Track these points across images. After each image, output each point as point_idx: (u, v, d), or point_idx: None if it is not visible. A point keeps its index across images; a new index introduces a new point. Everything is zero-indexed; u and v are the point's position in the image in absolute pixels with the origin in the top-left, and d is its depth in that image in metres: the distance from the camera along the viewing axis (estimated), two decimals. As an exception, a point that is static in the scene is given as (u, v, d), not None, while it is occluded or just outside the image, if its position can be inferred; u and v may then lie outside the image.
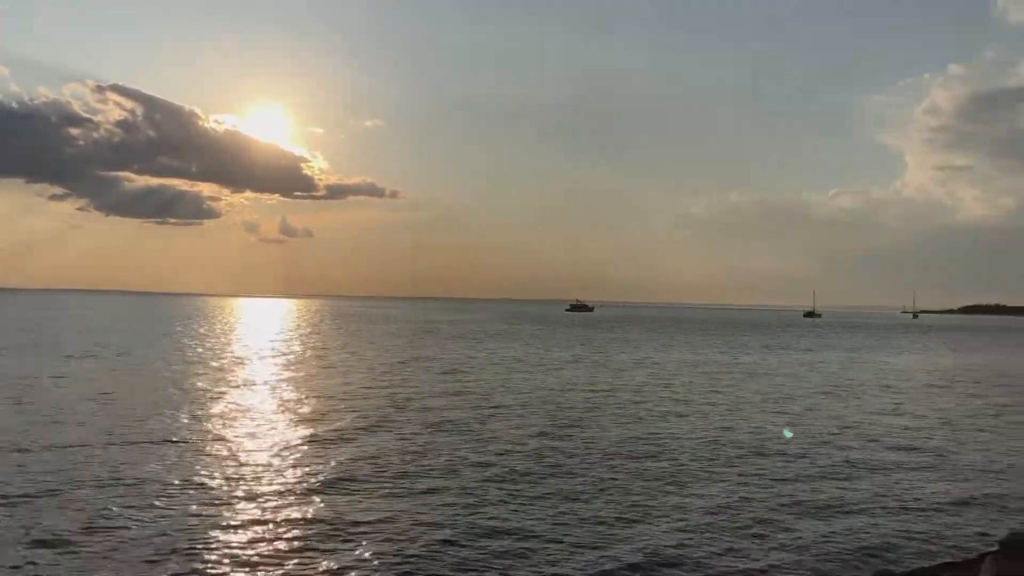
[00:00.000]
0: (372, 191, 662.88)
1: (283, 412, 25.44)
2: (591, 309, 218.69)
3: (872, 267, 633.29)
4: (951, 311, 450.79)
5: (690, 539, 12.92)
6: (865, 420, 27.26)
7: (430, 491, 15.49)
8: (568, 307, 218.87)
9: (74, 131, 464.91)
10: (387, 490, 15.51)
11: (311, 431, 21.80)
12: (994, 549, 11.05)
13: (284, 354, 51.00)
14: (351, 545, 12.14)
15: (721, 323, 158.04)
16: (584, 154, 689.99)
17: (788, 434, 23.29)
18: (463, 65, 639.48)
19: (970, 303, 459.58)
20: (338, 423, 23.19)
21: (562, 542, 12.54)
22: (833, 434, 23.94)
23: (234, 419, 23.72)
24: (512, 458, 18.84)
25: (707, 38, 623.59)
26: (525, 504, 14.75)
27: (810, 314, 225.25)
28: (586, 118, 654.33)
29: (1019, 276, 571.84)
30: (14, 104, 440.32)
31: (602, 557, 11.89)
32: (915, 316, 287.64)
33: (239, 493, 14.99)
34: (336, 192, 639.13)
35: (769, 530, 13.65)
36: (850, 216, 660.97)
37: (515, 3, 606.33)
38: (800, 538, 13.27)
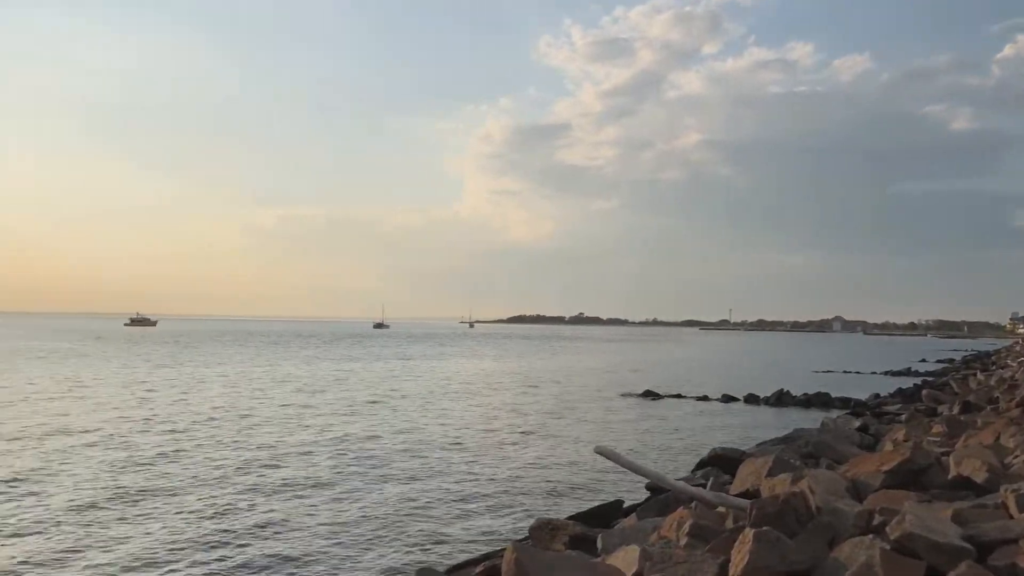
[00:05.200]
0: None
1: None
2: (154, 323, 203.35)
3: (435, 281, 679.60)
4: (501, 321, 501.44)
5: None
6: (425, 424, 28.77)
7: None
8: (127, 321, 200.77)
9: None
10: None
11: None
12: (524, 536, 12.11)
13: None
14: None
15: (294, 336, 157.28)
16: (138, 158, 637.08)
17: None
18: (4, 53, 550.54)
19: (516, 313, 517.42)
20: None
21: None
22: (393, 436, 24.88)
23: None
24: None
25: (282, 51, 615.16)
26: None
27: (379, 325, 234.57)
28: (137, 120, 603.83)
29: (554, 289, 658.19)
30: None
31: None
32: (471, 325, 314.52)
33: None
34: None
35: (310, 527, 13.60)
36: (415, 233, 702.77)
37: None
38: (342, 535, 13.43)
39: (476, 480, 18.94)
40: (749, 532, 6.64)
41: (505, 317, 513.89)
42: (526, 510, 15.94)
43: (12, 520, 14.31)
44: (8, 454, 20.77)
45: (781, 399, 39.76)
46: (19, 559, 12.10)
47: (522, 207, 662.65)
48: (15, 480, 17.62)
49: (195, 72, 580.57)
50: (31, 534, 13.51)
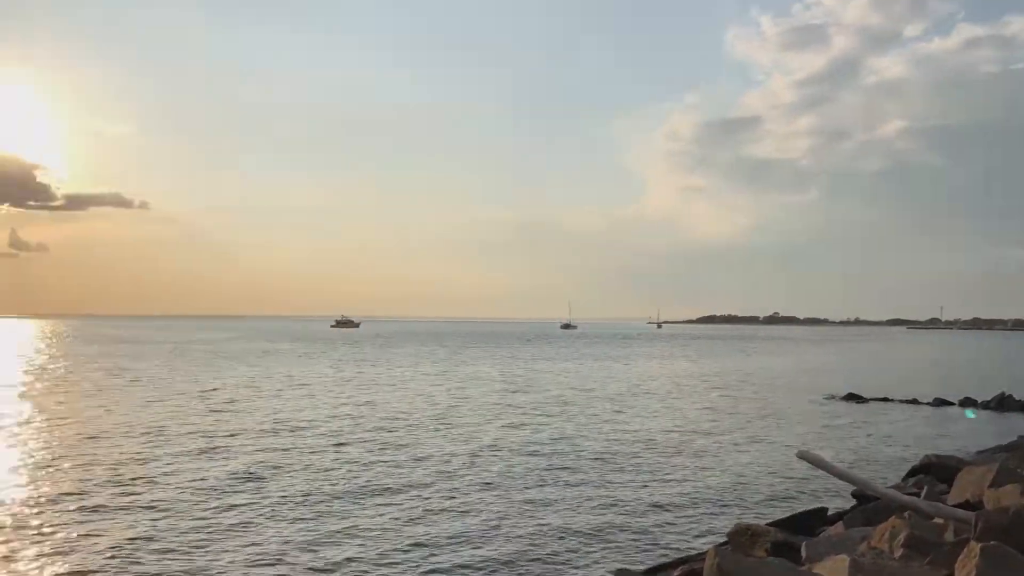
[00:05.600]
0: (119, 202, 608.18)
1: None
2: (358, 325, 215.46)
3: (621, 281, 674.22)
4: (691, 321, 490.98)
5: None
6: (618, 425, 28.86)
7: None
8: (334, 323, 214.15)
9: None
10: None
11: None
12: (723, 541, 11.92)
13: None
14: None
15: (487, 336, 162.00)
16: (344, 166, 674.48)
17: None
18: (226, 70, 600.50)
19: (706, 313, 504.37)
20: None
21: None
22: (589, 436, 25.13)
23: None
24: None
25: (467, 56, 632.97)
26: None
27: (567, 326, 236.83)
28: (345, 129, 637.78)
29: (747, 288, 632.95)
30: None
31: None
32: (659, 326, 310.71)
33: None
34: (76, 203, 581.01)
35: (511, 526, 14.04)
36: (601, 233, 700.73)
37: (283, 10, 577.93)
38: (540, 535, 13.80)
39: (672, 483, 18.81)
40: (975, 546, 6.25)
41: (694, 317, 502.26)
42: (724, 514, 15.67)
43: (234, 513, 15.66)
44: (232, 449, 22.82)
45: (1002, 403, 36.61)
46: (232, 553, 13.18)
47: (710, 204, 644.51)
48: (240, 473, 19.34)
49: (397, 79, 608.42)
50: (251, 526, 14.73)
